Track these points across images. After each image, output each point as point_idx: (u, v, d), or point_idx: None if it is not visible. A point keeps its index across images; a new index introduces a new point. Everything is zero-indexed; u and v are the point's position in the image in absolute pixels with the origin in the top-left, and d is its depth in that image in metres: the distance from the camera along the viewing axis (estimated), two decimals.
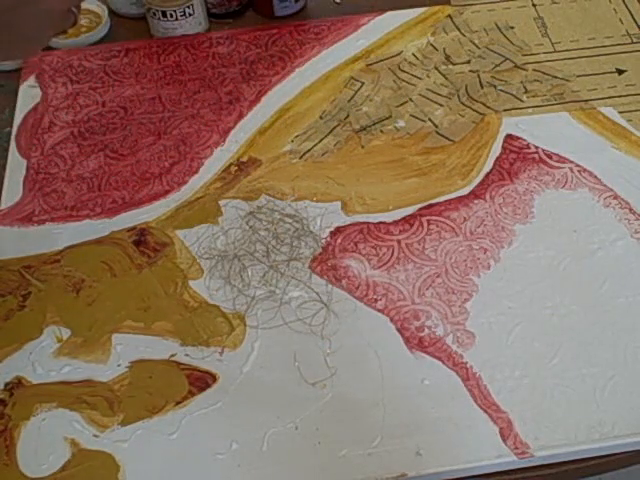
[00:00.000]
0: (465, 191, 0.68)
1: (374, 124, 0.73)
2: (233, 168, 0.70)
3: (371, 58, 0.80)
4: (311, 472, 0.53)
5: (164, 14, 0.80)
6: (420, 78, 0.78)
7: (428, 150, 0.72)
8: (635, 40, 0.81)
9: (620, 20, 0.84)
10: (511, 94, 0.76)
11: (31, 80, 0.79)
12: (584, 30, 0.83)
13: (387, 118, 0.74)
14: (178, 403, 0.56)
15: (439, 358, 0.58)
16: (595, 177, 0.69)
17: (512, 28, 0.83)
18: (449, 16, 0.84)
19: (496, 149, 0.71)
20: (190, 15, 0.81)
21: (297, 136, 0.73)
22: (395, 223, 0.66)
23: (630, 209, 0.66)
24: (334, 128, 0.73)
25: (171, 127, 0.74)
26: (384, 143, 0.72)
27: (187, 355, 0.58)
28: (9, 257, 0.64)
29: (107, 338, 0.59)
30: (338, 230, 0.65)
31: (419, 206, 0.67)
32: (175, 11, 0.80)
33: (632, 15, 0.84)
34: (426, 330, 0.59)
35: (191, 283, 0.62)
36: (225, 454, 0.53)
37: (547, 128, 0.73)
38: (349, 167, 0.70)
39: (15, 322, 0.60)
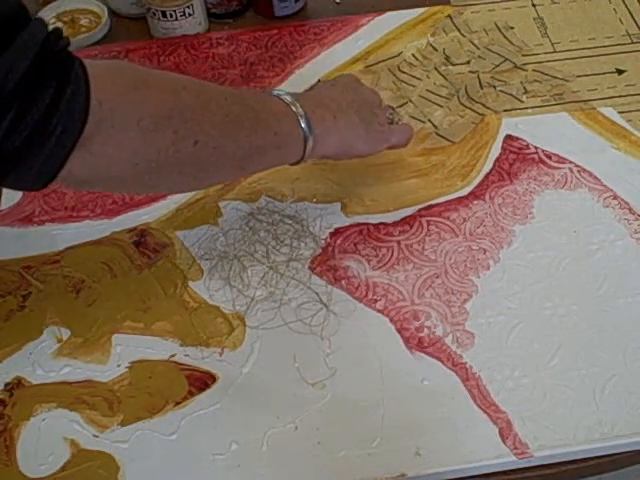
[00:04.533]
0: (465, 192, 0.68)
1: None
2: None
3: (370, 59, 0.80)
4: (311, 472, 0.53)
5: (164, 14, 0.81)
6: (420, 79, 0.78)
7: (428, 151, 0.72)
8: (635, 40, 0.81)
9: (620, 20, 0.84)
10: (511, 94, 0.76)
11: None
12: (584, 30, 0.83)
13: None
14: (178, 403, 0.56)
15: (439, 358, 0.58)
16: (595, 177, 0.69)
17: (512, 28, 0.83)
18: (449, 16, 0.84)
19: (496, 150, 0.71)
20: (190, 15, 0.81)
21: None
22: (395, 224, 0.66)
23: (630, 209, 0.66)
24: None
25: None
26: None
27: (187, 355, 0.58)
28: (9, 257, 0.64)
29: (107, 339, 0.59)
30: (338, 231, 0.65)
31: (419, 207, 0.67)
32: (175, 11, 0.80)
33: (632, 15, 0.84)
34: (426, 330, 0.59)
35: (191, 284, 0.62)
36: (225, 454, 0.53)
37: (547, 128, 0.73)
38: (349, 168, 0.70)
39: (15, 322, 0.60)
